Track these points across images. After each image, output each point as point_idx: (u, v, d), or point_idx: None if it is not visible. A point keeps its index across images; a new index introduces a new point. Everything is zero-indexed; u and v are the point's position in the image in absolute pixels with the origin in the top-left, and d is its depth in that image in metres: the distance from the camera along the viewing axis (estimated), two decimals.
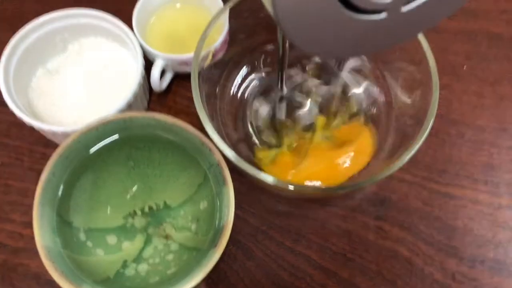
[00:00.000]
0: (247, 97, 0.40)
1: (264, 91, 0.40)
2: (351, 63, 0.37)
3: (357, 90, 0.38)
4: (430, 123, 0.30)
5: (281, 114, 0.36)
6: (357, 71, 0.38)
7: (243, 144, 0.38)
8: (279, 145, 0.37)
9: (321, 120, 0.38)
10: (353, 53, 0.18)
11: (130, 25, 0.39)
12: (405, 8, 0.15)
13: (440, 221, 0.37)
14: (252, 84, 0.40)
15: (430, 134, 0.30)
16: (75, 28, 0.40)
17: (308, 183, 0.35)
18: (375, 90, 0.38)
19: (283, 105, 0.35)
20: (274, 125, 0.37)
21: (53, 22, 0.39)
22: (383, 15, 0.15)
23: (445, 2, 0.16)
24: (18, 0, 0.48)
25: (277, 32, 0.27)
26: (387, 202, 0.38)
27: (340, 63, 0.31)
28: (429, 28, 0.18)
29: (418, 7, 0.16)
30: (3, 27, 0.46)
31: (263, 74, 0.41)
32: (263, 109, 0.37)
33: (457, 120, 0.41)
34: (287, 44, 0.26)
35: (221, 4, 0.41)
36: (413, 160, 0.30)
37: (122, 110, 0.36)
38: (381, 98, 0.38)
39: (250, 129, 0.38)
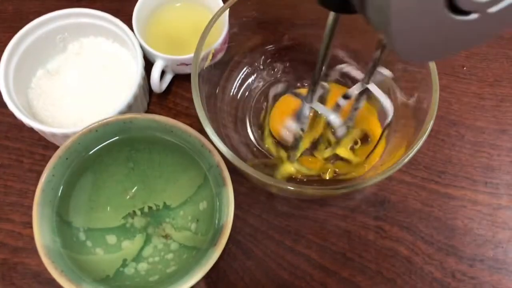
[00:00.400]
0: (247, 98, 0.40)
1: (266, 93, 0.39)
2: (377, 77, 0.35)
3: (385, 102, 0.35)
4: (430, 124, 0.30)
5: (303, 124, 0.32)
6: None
7: (242, 145, 0.38)
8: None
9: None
10: (446, 55, 0.20)
11: (130, 25, 0.39)
12: (493, 9, 0.17)
13: (440, 221, 0.37)
14: (252, 85, 0.40)
15: (429, 135, 0.30)
16: (75, 27, 0.40)
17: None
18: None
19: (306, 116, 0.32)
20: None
21: (53, 21, 0.39)
22: (475, 15, 0.17)
23: None
24: (18, 0, 0.48)
25: (322, 45, 0.24)
26: (386, 202, 0.38)
27: (370, 76, 0.30)
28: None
29: (506, 7, 0.17)
30: (3, 27, 0.46)
31: (264, 75, 0.40)
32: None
33: (457, 121, 0.41)
34: (327, 58, 0.26)
35: (221, 3, 0.41)
36: (412, 161, 0.29)
37: (122, 112, 0.36)
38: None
39: (250, 131, 0.38)
